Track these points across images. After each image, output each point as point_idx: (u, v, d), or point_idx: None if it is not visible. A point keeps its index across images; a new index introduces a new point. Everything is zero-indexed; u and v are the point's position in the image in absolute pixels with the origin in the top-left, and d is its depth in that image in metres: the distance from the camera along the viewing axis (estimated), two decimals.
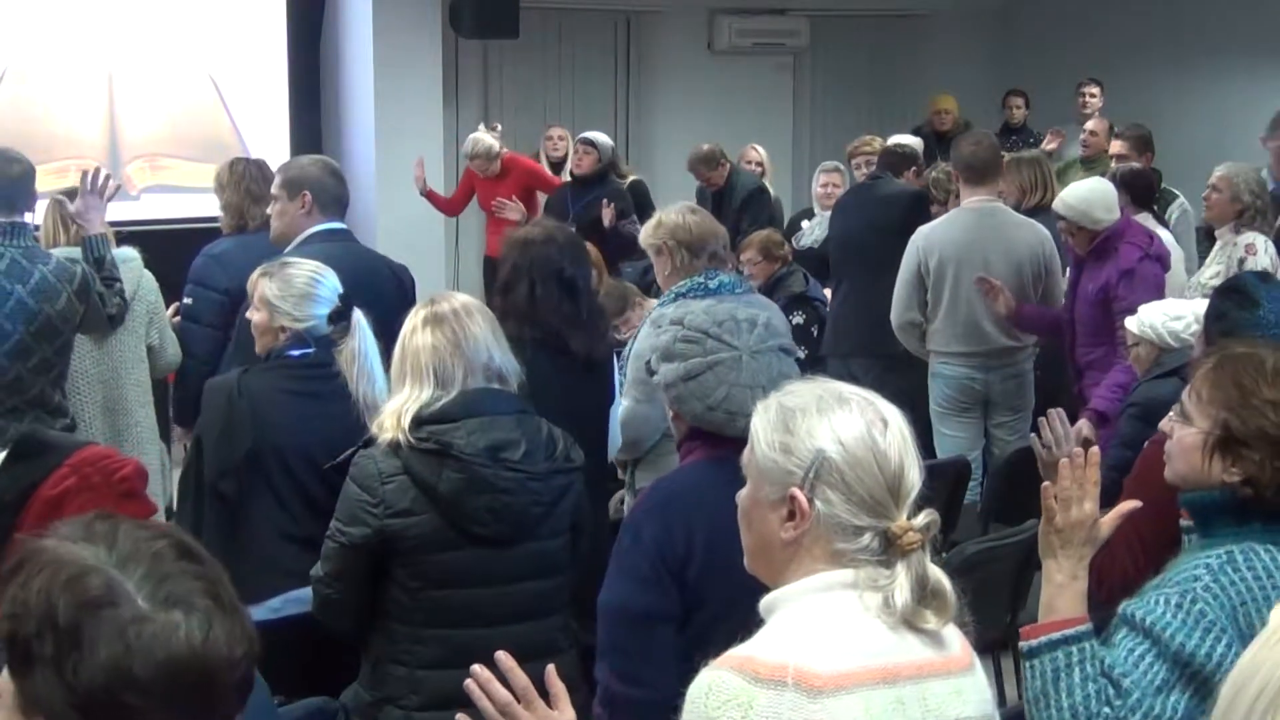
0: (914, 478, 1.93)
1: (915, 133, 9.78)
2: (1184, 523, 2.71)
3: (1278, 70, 10.62)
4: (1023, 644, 2.42)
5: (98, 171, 5.06)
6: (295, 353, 3.84)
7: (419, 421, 3.19)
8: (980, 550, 4.35)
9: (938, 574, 1.92)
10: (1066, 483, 2.52)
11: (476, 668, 2.00)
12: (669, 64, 11.60)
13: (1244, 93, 10.80)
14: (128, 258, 5.24)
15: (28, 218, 4.82)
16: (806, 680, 1.80)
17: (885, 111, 12.05)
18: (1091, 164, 8.51)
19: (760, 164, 8.97)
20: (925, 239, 5.89)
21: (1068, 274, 5.68)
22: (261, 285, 3.86)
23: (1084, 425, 5.02)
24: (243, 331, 4.58)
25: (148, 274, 5.35)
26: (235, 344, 4.63)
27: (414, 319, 3.31)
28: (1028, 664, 2.39)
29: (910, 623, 1.89)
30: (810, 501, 1.91)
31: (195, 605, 1.47)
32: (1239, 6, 10.83)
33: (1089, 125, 9.05)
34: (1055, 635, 2.39)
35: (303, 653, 3.60)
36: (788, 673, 1.81)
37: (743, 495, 2.03)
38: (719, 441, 2.86)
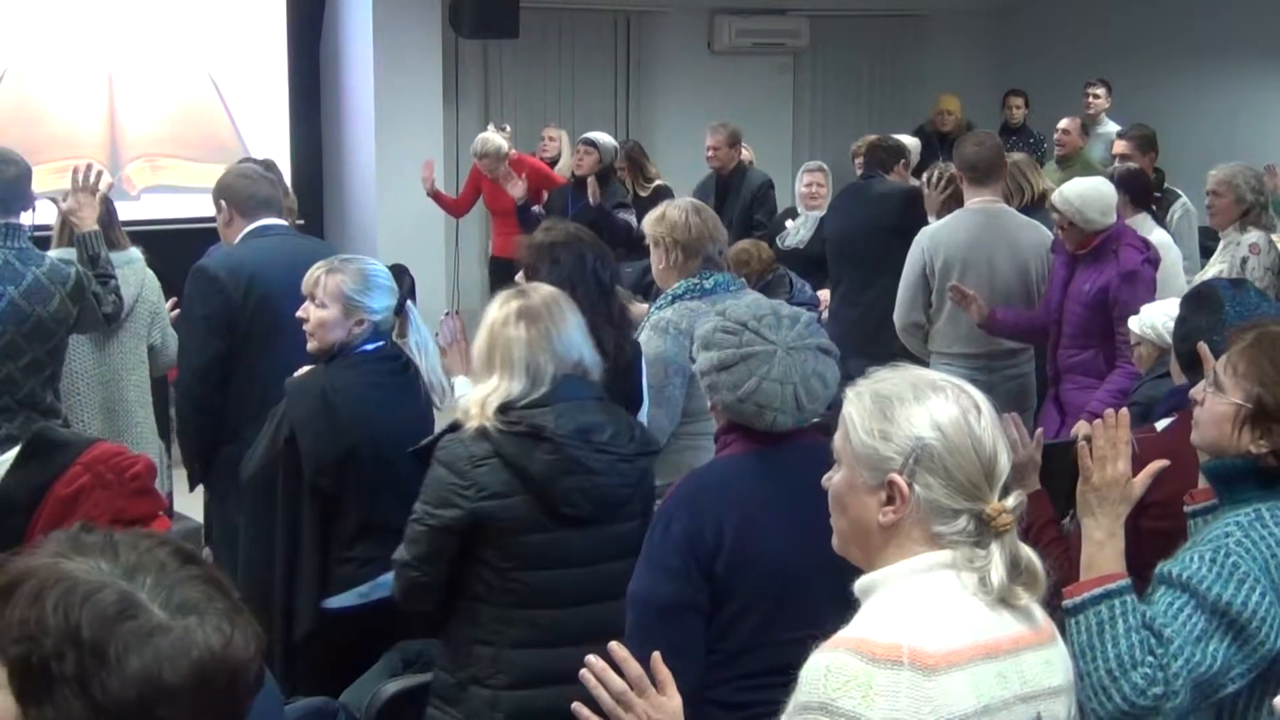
0: (1005, 460, 2.01)
1: (917, 132, 9.79)
2: (1189, 507, 2.83)
3: (1278, 69, 10.63)
4: (1066, 601, 2.51)
5: (89, 168, 5.05)
6: (369, 347, 3.91)
7: (506, 409, 3.25)
8: None
9: (1028, 552, 2.00)
10: (1101, 443, 2.66)
11: (591, 658, 2.08)
12: (669, 64, 11.60)
13: (1245, 92, 10.81)
14: (131, 259, 5.24)
15: (25, 218, 4.81)
16: (921, 659, 1.87)
17: (885, 111, 12.06)
18: (1066, 163, 8.52)
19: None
20: (930, 239, 5.86)
21: (1054, 272, 5.62)
22: (332, 281, 3.87)
23: (1083, 426, 4.99)
24: (179, 331, 4.64)
25: (150, 274, 5.36)
26: (182, 334, 4.70)
27: (504, 309, 3.35)
28: (1071, 620, 2.50)
29: (1004, 599, 1.97)
30: (910, 486, 1.97)
31: (210, 609, 1.46)
32: (1239, 7, 10.84)
33: (1061, 124, 9.09)
34: (1098, 590, 2.49)
35: (349, 644, 3.75)
36: (902, 652, 1.87)
37: (836, 480, 2.07)
38: (754, 435, 2.88)
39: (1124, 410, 2.71)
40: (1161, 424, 3.48)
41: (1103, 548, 2.58)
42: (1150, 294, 5.28)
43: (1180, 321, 3.82)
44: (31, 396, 4.69)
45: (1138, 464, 3.22)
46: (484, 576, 3.29)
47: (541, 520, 3.26)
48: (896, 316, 5.99)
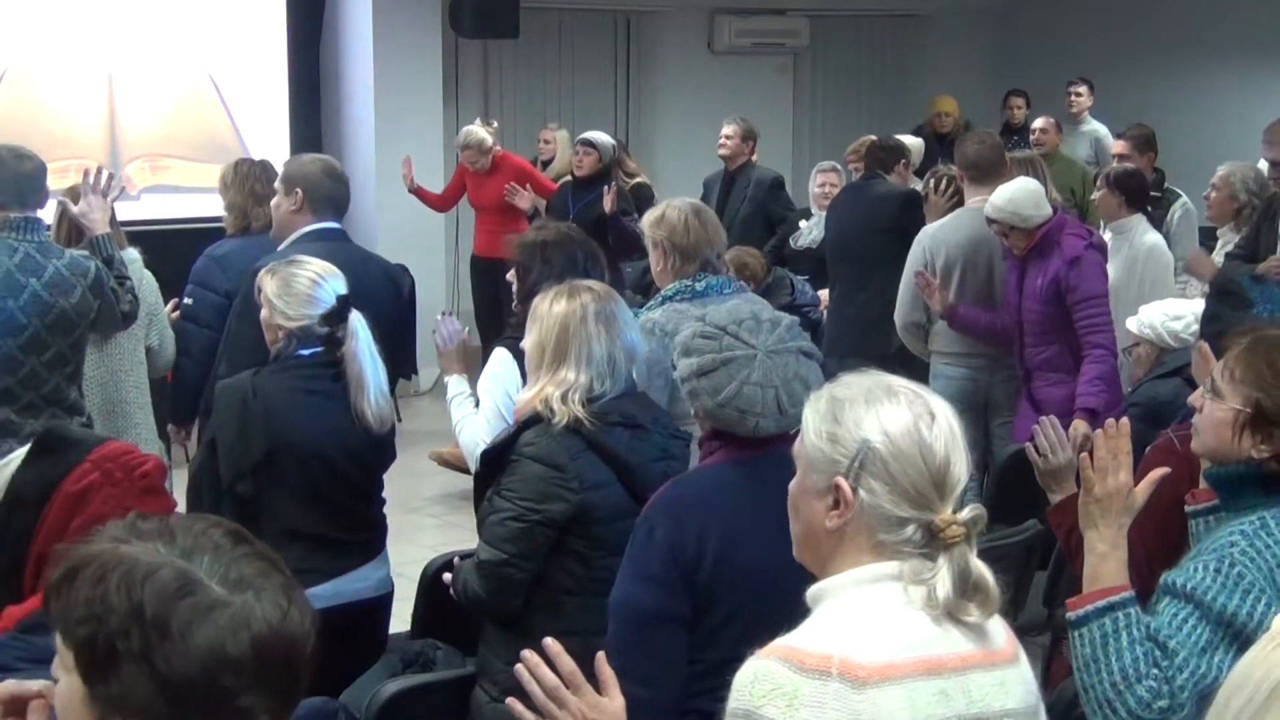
0: (960, 471, 1.95)
1: (915, 133, 9.79)
2: (1190, 507, 2.80)
3: (1278, 70, 10.63)
4: (1070, 614, 2.49)
5: (100, 171, 5.06)
6: (306, 352, 3.88)
7: (587, 401, 3.32)
8: (980, 550, 4.34)
9: (980, 567, 1.94)
10: (1103, 453, 2.61)
11: (526, 653, 2.04)
12: (669, 64, 11.61)
13: (1245, 92, 10.81)
14: (130, 259, 5.24)
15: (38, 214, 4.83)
16: (851, 671, 1.82)
17: (885, 111, 12.06)
18: (1046, 161, 8.54)
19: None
20: (931, 238, 5.89)
21: (1007, 275, 5.64)
22: (265, 281, 3.91)
23: (1080, 425, 5.01)
24: (231, 328, 4.62)
25: (148, 274, 5.35)
26: (225, 340, 4.66)
27: (575, 304, 3.38)
28: (1075, 632, 2.47)
29: (953, 615, 1.91)
30: (854, 491, 1.93)
31: (265, 586, 1.51)
32: (1239, 7, 10.83)
33: (1037, 123, 9.20)
34: (1101, 603, 2.46)
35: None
36: (832, 663, 1.83)
37: (793, 484, 2.05)
38: (739, 443, 2.87)
39: (1124, 420, 2.68)
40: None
41: (1105, 559, 2.54)
42: (1100, 277, 5.36)
43: (1211, 318, 3.82)
44: (56, 392, 4.69)
45: (1180, 460, 3.22)
46: (569, 567, 3.32)
47: (630, 506, 3.31)
48: (897, 315, 6.00)
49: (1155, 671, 2.39)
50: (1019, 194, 5.40)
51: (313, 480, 3.84)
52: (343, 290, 3.91)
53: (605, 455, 3.29)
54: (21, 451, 2.68)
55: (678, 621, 2.77)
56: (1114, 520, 2.57)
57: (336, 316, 3.85)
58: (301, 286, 3.86)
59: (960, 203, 6.16)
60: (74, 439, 2.58)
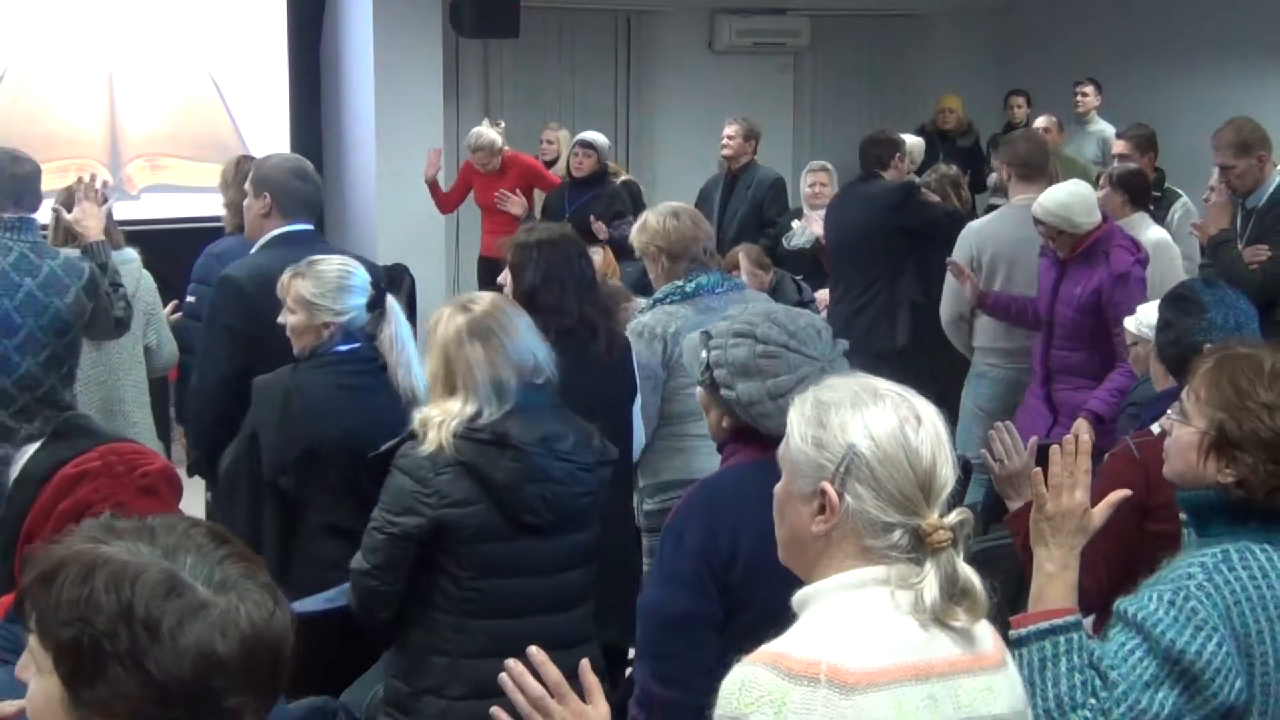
0: (946, 475, 1.93)
1: (918, 132, 9.80)
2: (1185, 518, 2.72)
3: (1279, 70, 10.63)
4: (1011, 633, 2.40)
5: (94, 178, 5.07)
6: (343, 348, 3.88)
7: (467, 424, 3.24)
8: (980, 550, 4.33)
9: (968, 572, 1.91)
10: (1057, 469, 2.54)
11: (510, 661, 2.00)
12: (669, 64, 11.60)
13: (1245, 92, 10.79)
14: (128, 259, 5.25)
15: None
16: (839, 677, 1.81)
17: (885, 111, 12.04)
18: None
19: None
20: (978, 235, 5.93)
21: (1042, 275, 5.63)
22: (295, 286, 3.86)
23: (1082, 426, 5.01)
24: (202, 340, 4.55)
25: (146, 274, 5.36)
26: (199, 353, 4.59)
27: (453, 325, 3.30)
28: (1015, 653, 2.37)
29: (941, 620, 1.89)
30: (840, 496, 1.91)
31: (249, 587, 1.51)
32: (1240, 7, 10.82)
33: (1039, 122, 9.25)
34: (1043, 625, 2.39)
35: (327, 649, 3.69)
36: (820, 669, 1.82)
37: (777, 488, 2.03)
38: (762, 442, 2.84)
39: (1085, 438, 2.62)
40: (1156, 427, 3.44)
41: (1053, 580, 2.47)
42: (1142, 294, 5.31)
43: (1165, 326, 3.75)
44: (51, 394, 4.68)
45: (1138, 466, 3.18)
46: (442, 585, 3.28)
47: (503, 528, 3.26)
48: (943, 309, 6.06)
49: (1092, 702, 2.30)
50: (1071, 199, 5.36)
51: (353, 477, 3.82)
52: (368, 275, 3.94)
53: (472, 473, 3.23)
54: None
55: (709, 624, 2.75)
56: (1065, 540, 2.49)
57: (377, 301, 3.88)
58: (335, 279, 3.86)
59: None
60: (91, 430, 2.61)
